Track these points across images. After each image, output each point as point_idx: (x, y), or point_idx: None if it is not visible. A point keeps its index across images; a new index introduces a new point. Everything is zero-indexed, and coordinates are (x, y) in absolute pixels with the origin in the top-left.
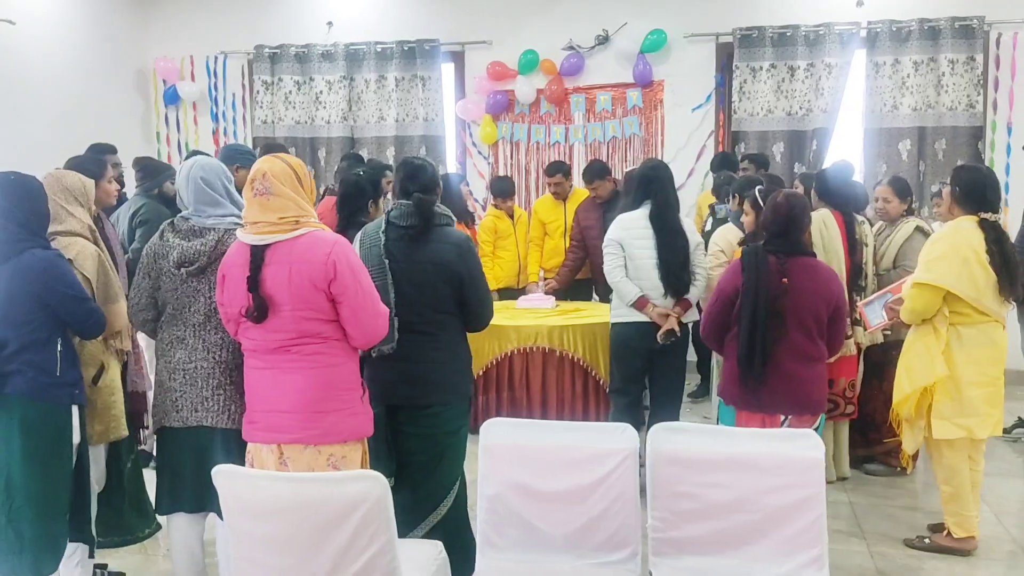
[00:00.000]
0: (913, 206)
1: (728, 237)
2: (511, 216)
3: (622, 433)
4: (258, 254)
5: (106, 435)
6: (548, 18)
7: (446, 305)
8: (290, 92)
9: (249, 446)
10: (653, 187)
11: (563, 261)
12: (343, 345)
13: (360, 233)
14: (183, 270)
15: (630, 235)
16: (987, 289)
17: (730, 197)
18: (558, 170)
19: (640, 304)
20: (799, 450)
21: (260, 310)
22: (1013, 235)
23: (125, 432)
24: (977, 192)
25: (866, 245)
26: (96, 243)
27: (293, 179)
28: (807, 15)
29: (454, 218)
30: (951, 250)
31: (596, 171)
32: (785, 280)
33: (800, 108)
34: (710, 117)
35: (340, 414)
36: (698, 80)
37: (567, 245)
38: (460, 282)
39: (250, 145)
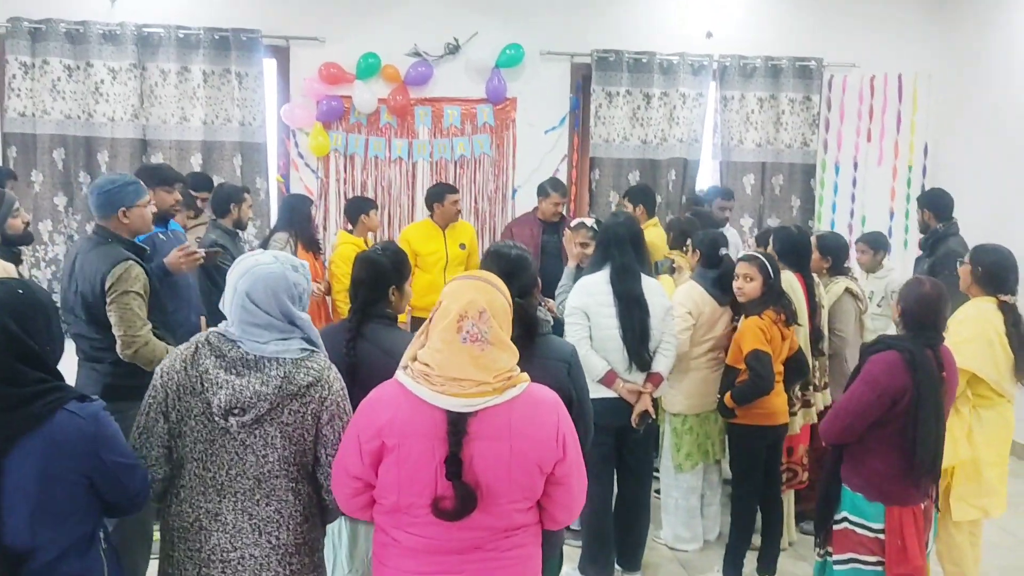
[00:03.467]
0: (847, 265)
1: (694, 297)
2: (366, 244)
3: None
4: (460, 424)
5: None
6: (390, 18)
7: None
8: (59, 79)
9: None
10: (612, 249)
11: None
12: (537, 529)
13: None
14: (233, 420)
15: (595, 302)
16: (1007, 371)
17: (690, 249)
18: (453, 190)
19: (608, 380)
20: None
21: (466, 504)
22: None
23: None
24: (1000, 275)
25: (822, 306)
26: None
27: (509, 319)
28: (662, 43)
29: (551, 321)
30: (978, 333)
31: (564, 187)
32: (945, 374)
33: (655, 137)
34: (563, 140)
35: None
36: (552, 101)
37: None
38: (570, 405)
39: None
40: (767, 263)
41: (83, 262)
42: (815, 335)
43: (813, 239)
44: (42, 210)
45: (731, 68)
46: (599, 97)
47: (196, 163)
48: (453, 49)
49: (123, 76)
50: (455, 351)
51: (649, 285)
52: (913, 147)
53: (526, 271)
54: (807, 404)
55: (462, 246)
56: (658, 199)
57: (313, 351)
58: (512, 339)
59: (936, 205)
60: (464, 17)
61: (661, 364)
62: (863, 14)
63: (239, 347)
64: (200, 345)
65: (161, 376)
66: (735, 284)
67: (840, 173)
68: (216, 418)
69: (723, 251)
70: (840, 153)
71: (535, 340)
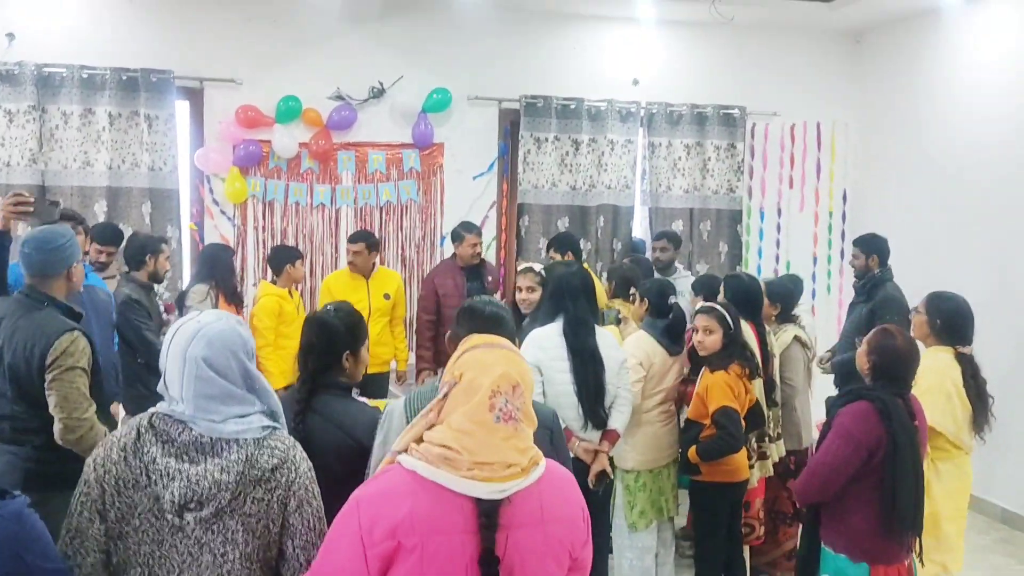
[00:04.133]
0: (795, 312)
1: (644, 348)
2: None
3: None
4: (493, 515)
5: None
6: (311, 61)
7: None
8: None
9: None
10: (565, 300)
11: (419, 343)
12: None
13: (408, 399)
14: (189, 516)
15: (548, 357)
16: (964, 423)
17: (636, 298)
18: (361, 239)
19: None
20: None
21: None
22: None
23: None
24: (958, 325)
25: (774, 355)
26: None
27: (533, 390)
28: (590, 90)
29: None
30: (936, 385)
31: (477, 227)
32: (917, 422)
33: (584, 183)
34: (492, 186)
35: None
36: (480, 146)
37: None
38: None
39: None
40: (726, 314)
41: (14, 329)
42: (768, 385)
43: (762, 285)
44: None
45: (658, 115)
46: (527, 143)
47: (100, 210)
48: (378, 93)
49: (20, 119)
50: (488, 432)
51: (602, 337)
52: (832, 194)
53: (502, 330)
54: (763, 456)
55: (386, 296)
56: (588, 246)
57: (275, 427)
58: None
59: (881, 250)
60: (389, 60)
61: (617, 420)
62: (782, 64)
63: (191, 429)
64: (142, 430)
65: (95, 469)
66: (695, 338)
67: (765, 219)
68: (168, 515)
69: (672, 299)
70: (764, 199)
71: None
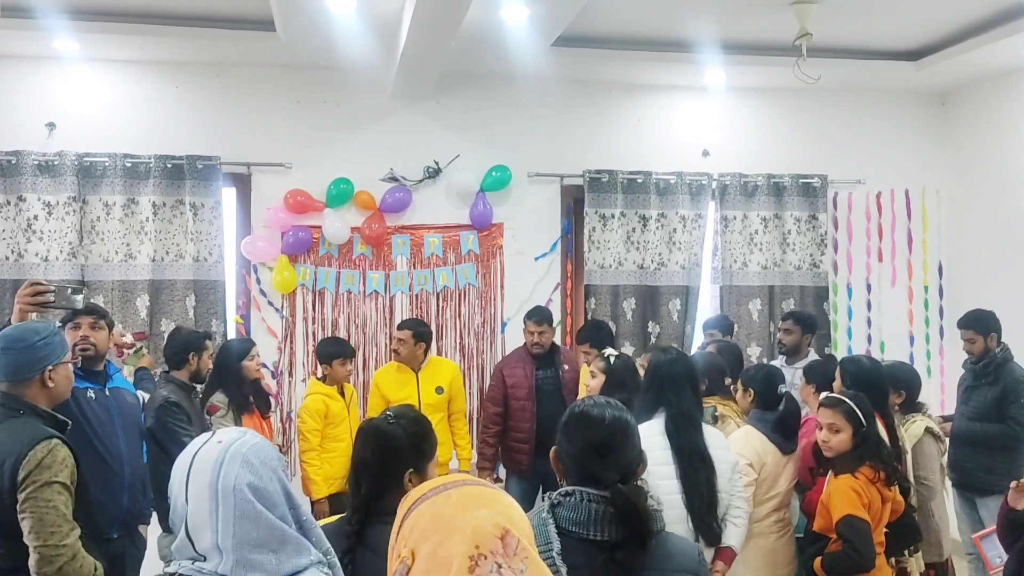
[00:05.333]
0: (919, 401)
1: (754, 446)
2: (343, 392)
3: None
4: None
5: None
6: (363, 142)
7: None
8: None
9: None
10: (667, 393)
11: (482, 438)
12: None
13: None
14: None
15: (650, 460)
16: None
17: (739, 387)
18: (408, 326)
19: None
20: None
21: None
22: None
23: None
24: None
25: (906, 451)
26: None
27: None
28: (657, 162)
29: (662, 516)
30: None
31: (547, 315)
32: None
33: (653, 262)
34: (556, 267)
35: None
36: (542, 225)
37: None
38: None
39: None
40: (857, 408)
41: None
42: (902, 486)
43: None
44: None
45: (731, 187)
46: (592, 220)
47: (143, 305)
48: (433, 173)
49: (60, 211)
50: None
51: (710, 436)
52: (927, 266)
53: (628, 442)
54: (902, 573)
55: (439, 390)
56: (657, 329)
57: None
58: (609, 541)
59: (997, 326)
60: (444, 139)
61: (733, 536)
62: (864, 128)
63: None
64: None
65: None
66: (819, 437)
67: (853, 296)
68: None
69: (781, 388)
70: (852, 275)
71: (647, 543)
